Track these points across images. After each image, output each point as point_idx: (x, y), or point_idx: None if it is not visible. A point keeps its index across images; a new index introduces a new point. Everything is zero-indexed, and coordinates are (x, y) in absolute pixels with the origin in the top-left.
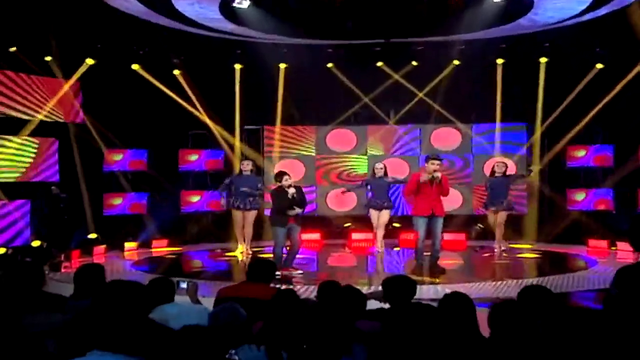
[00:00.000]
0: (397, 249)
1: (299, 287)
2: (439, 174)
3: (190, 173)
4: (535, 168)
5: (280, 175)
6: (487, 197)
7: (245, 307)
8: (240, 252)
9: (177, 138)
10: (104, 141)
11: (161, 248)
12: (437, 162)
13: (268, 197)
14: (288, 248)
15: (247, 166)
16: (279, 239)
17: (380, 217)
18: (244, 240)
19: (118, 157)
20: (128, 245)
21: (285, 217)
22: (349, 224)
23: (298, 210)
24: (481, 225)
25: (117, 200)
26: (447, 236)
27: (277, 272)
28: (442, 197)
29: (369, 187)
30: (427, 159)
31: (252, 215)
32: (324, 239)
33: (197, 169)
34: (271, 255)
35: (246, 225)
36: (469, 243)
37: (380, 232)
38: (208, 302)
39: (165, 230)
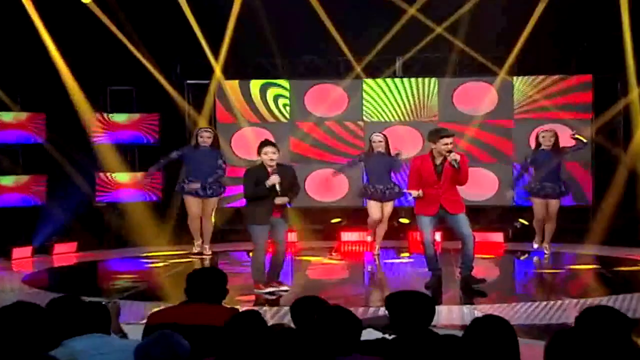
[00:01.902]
0: (406, 255)
1: (265, 308)
2: (457, 156)
3: (110, 147)
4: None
5: (260, 146)
6: (531, 180)
7: (188, 338)
8: (196, 253)
9: (90, 96)
10: None
11: (67, 254)
12: (449, 139)
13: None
14: (273, 254)
15: (207, 138)
16: (259, 242)
17: (384, 211)
18: (202, 240)
19: None
20: (17, 250)
21: (265, 210)
22: (338, 220)
23: (285, 199)
24: (524, 221)
25: None
26: (477, 237)
27: (265, 290)
28: (456, 187)
29: (363, 166)
30: (432, 136)
31: (212, 203)
32: (301, 240)
33: (119, 141)
34: (252, 265)
35: (205, 218)
36: (507, 246)
37: (381, 231)
38: (135, 331)
39: (73, 228)
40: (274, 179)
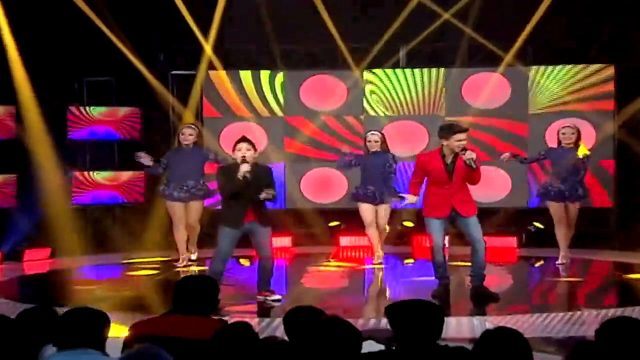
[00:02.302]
0: (410, 261)
1: (257, 319)
2: (472, 154)
3: (86, 143)
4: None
5: (235, 143)
6: (548, 180)
7: (172, 351)
8: (182, 265)
9: (64, 87)
10: None
11: (39, 260)
12: (463, 135)
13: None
14: (259, 261)
15: (189, 136)
16: (222, 245)
17: (378, 215)
18: (188, 248)
19: None
20: None
21: (237, 211)
22: (336, 223)
23: (266, 195)
24: (539, 224)
25: None
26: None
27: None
28: (470, 186)
29: (356, 165)
30: (444, 132)
31: (197, 208)
32: (296, 245)
33: (97, 137)
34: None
35: (190, 224)
36: (520, 252)
37: (374, 234)
38: (115, 345)
39: (46, 233)
40: (244, 168)
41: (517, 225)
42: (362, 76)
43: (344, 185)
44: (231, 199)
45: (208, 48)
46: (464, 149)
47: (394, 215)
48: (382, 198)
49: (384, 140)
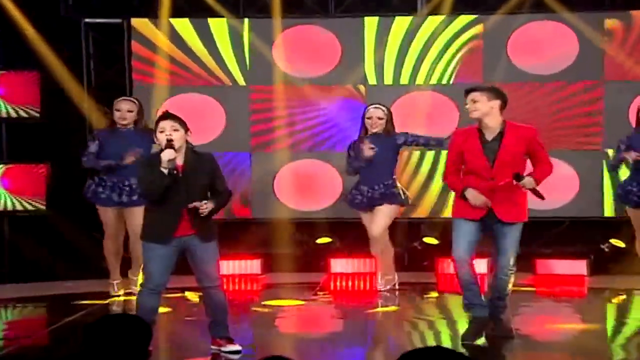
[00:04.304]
0: (433, 295)
1: None
2: (531, 182)
3: None
4: None
5: (156, 122)
6: (628, 179)
7: None
8: (117, 293)
9: None
10: None
11: None
12: (472, 94)
13: None
14: (203, 293)
15: (128, 113)
16: (151, 270)
17: (374, 224)
18: (132, 267)
19: None
20: None
21: (165, 220)
22: (326, 240)
23: (200, 207)
24: (618, 242)
25: None
26: (543, 266)
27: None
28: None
29: (352, 155)
30: (465, 96)
31: (139, 214)
32: (267, 272)
33: None
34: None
35: (131, 237)
36: (590, 280)
37: (382, 256)
38: None
39: None
40: (167, 155)
41: (587, 242)
42: (363, 26)
43: (337, 184)
44: (156, 202)
45: None
46: (517, 177)
47: (411, 228)
48: (380, 198)
49: (389, 119)
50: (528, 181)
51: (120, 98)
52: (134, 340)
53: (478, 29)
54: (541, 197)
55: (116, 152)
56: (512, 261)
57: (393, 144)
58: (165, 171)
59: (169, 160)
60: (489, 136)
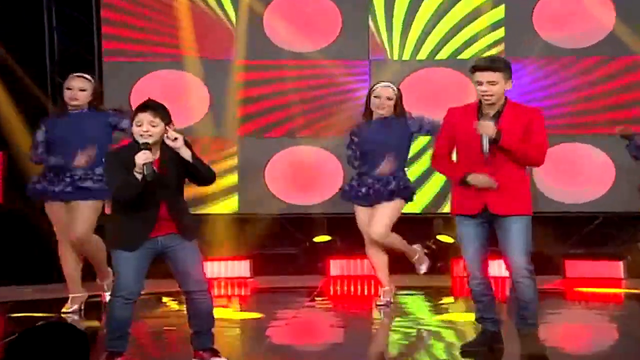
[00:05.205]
0: (448, 302)
1: None
2: (488, 127)
3: None
4: None
5: (134, 114)
6: None
7: None
8: (71, 309)
9: None
10: None
11: None
12: (485, 74)
13: None
14: (186, 300)
15: (80, 92)
16: (122, 275)
17: (377, 224)
18: (99, 277)
19: None
20: None
21: (139, 223)
22: (324, 239)
23: (173, 139)
24: None
25: None
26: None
27: None
28: (523, 169)
29: (355, 143)
30: (472, 71)
31: (88, 211)
32: (259, 274)
33: None
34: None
35: (80, 239)
36: (627, 284)
37: (378, 257)
38: None
39: None
40: (142, 158)
41: (623, 241)
42: None
43: (338, 174)
44: (128, 206)
45: None
46: (488, 97)
47: (424, 224)
48: (389, 193)
49: (399, 101)
50: (486, 125)
51: (72, 74)
52: (67, 356)
53: None
54: (484, 154)
55: (64, 138)
56: (524, 260)
57: (405, 130)
58: (139, 176)
59: (145, 164)
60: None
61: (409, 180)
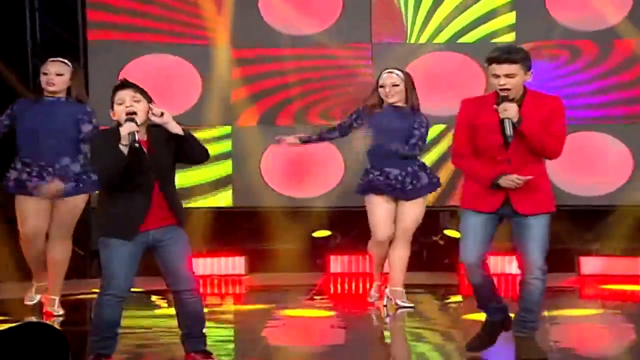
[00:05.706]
0: (456, 300)
1: None
2: (511, 110)
3: None
4: None
5: (113, 93)
6: None
7: None
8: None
9: None
10: None
11: None
12: (503, 66)
13: None
14: (174, 298)
15: (57, 77)
16: (112, 271)
17: (400, 218)
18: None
19: None
20: None
21: (132, 210)
22: (324, 234)
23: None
24: None
25: None
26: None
27: None
28: (544, 162)
29: (357, 126)
30: (488, 63)
31: (71, 207)
32: (254, 271)
33: None
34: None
35: (54, 238)
36: None
37: (397, 259)
38: None
39: None
40: (127, 128)
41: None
42: None
43: (338, 165)
44: (117, 187)
45: None
46: (505, 95)
47: (431, 218)
48: (410, 191)
49: (411, 86)
50: (510, 106)
51: (50, 59)
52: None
53: None
54: (507, 138)
55: (34, 127)
56: (541, 260)
57: (413, 121)
58: (125, 149)
59: (130, 134)
60: None
61: (423, 170)
